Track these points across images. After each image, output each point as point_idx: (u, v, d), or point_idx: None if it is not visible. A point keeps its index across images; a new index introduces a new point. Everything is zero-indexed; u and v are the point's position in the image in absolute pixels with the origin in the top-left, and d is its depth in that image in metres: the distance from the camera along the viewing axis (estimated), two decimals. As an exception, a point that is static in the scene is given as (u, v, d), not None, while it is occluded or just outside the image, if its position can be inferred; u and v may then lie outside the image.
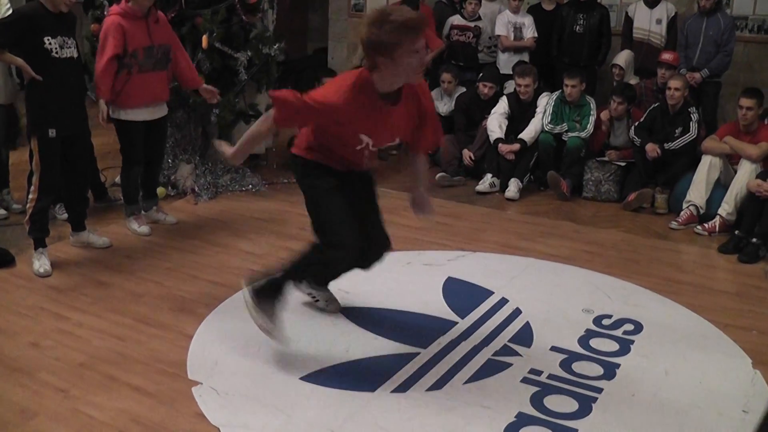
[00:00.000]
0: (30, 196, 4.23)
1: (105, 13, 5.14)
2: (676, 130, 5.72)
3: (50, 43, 4.02)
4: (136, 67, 4.53)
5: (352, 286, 4.05)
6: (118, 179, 5.72)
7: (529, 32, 7.02)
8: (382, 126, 3.08)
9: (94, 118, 5.56)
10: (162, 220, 5.07)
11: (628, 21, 6.91)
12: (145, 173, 4.94)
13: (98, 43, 4.60)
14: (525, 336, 3.58)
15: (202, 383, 3.06)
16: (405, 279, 4.25)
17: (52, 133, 4.11)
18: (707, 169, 5.34)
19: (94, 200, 5.26)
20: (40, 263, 4.17)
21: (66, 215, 4.76)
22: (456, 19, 7.21)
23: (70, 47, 4.13)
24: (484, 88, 6.50)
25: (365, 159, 3.23)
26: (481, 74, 6.73)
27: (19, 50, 4.07)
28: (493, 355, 3.38)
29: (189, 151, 5.83)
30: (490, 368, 3.26)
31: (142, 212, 5.03)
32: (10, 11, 4.92)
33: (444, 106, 6.86)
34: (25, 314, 3.67)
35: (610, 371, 3.27)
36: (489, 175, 6.15)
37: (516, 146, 6.10)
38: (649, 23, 6.76)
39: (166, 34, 4.70)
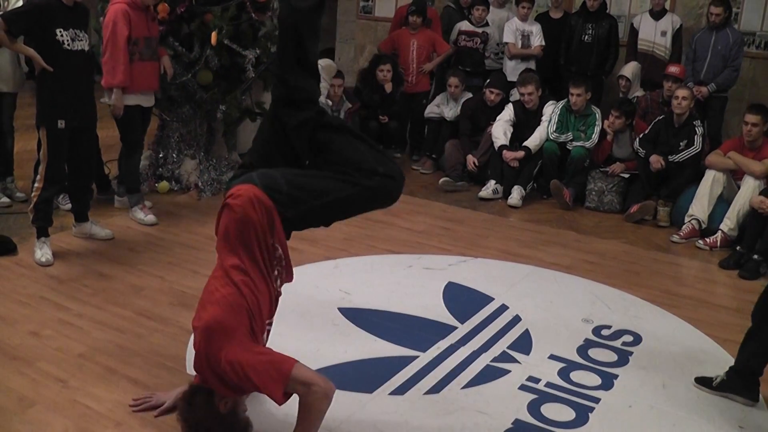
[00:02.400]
0: (35, 185, 4.25)
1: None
2: (681, 143, 5.72)
3: (62, 35, 4.05)
4: (138, 55, 4.71)
5: (353, 288, 4.07)
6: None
7: (537, 40, 7.03)
8: None
9: (98, 111, 5.59)
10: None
11: (634, 32, 6.93)
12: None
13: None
14: (524, 343, 3.58)
15: (200, 378, 3.06)
16: (406, 282, 4.25)
17: (61, 124, 4.13)
18: (710, 183, 5.34)
19: (97, 192, 5.26)
20: (42, 252, 4.18)
21: (69, 206, 4.77)
22: (464, 25, 7.22)
23: (81, 40, 4.17)
24: (491, 95, 6.50)
25: None
26: (488, 80, 6.74)
27: (31, 41, 4.09)
28: (491, 361, 3.39)
29: (193, 146, 5.83)
30: (489, 374, 3.27)
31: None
32: (21, 1, 4.93)
33: (450, 110, 6.86)
34: (26, 303, 3.67)
35: (608, 381, 3.27)
36: (492, 182, 6.16)
37: (520, 153, 6.10)
38: (653, 35, 6.77)
39: (157, 28, 4.94)
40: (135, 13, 4.66)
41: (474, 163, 6.37)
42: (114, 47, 4.60)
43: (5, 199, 5.11)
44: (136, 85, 4.75)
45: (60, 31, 4.05)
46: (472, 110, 6.60)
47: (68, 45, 4.09)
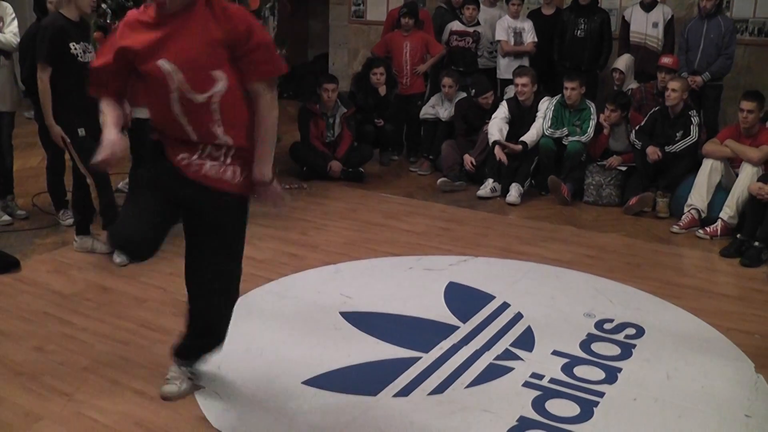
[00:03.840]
0: (93, 195, 4.44)
1: (107, 21, 5.20)
2: (677, 134, 5.72)
3: (75, 49, 4.24)
4: None
5: (354, 291, 4.08)
6: (121, 185, 5.77)
7: (529, 37, 7.04)
8: (175, 46, 2.46)
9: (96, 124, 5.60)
10: None
11: (625, 25, 6.94)
12: None
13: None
14: (526, 340, 3.58)
15: (204, 387, 3.07)
16: (406, 284, 4.26)
17: (81, 132, 4.30)
18: (708, 172, 5.35)
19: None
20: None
21: (70, 221, 4.81)
22: (455, 25, 7.23)
23: (90, 52, 4.35)
24: (483, 101, 6.52)
25: (190, 120, 2.54)
26: (473, 90, 6.66)
27: (52, 59, 4.23)
28: (494, 359, 3.39)
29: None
30: (492, 372, 3.27)
31: None
32: (15, 20, 4.97)
33: (445, 111, 6.87)
34: (29, 319, 3.69)
35: (611, 375, 3.28)
36: (490, 180, 6.16)
37: (518, 147, 6.10)
38: (645, 27, 6.78)
39: None
40: None
41: (471, 162, 6.38)
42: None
43: (6, 217, 5.12)
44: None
45: (73, 45, 4.23)
46: (466, 110, 6.61)
47: (81, 57, 4.27)
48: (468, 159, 6.40)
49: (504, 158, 6.07)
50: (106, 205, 4.43)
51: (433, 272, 4.43)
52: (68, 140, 4.32)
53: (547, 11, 7.27)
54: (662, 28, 6.74)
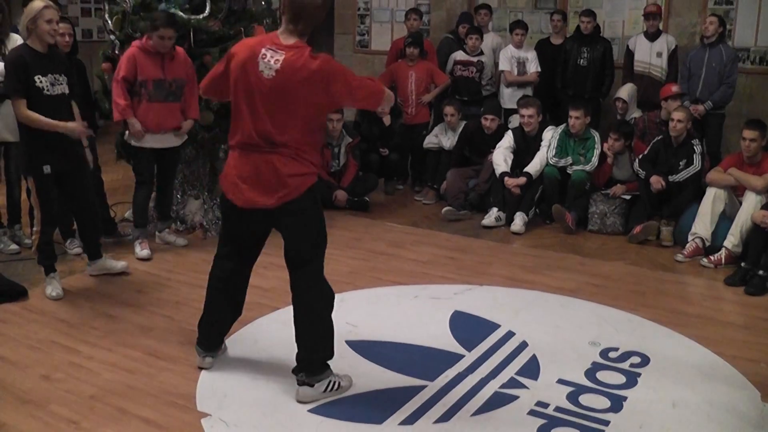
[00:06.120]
0: (34, 229, 4.39)
1: (116, 52, 5.30)
2: (680, 163, 5.75)
3: (41, 82, 4.12)
4: (146, 96, 4.88)
5: (360, 320, 4.09)
6: (127, 214, 5.81)
7: (533, 66, 7.12)
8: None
9: (103, 155, 5.66)
10: (173, 243, 5.35)
11: (629, 54, 7.01)
12: (157, 197, 5.34)
13: (110, 81, 5.11)
14: (532, 369, 3.59)
15: (211, 415, 3.09)
16: (412, 312, 4.27)
17: (46, 169, 4.20)
18: (712, 201, 5.36)
19: (103, 236, 5.30)
20: (52, 287, 4.32)
21: (78, 250, 4.85)
22: (459, 55, 7.31)
23: (61, 84, 4.24)
24: (486, 121, 6.56)
25: None
26: (482, 108, 6.78)
27: (21, 91, 4.18)
28: (500, 387, 3.39)
29: (197, 186, 5.89)
30: (497, 401, 3.28)
31: (156, 233, 5.39)
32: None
33: (448, 140, 6.92)
34: (36, 347, 3.71)
35: (617, 404, 3.28)
36: (495, 209, 6.19)
37: (522, 180, 6.14)
38: (649, 56, 6.85)
39: (182, 70, 5.02)
40: (145, 56, 4.85)
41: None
42: (113, 84, 4.88)
43: (14, 246, 5.17)
44: (146, 125, 4.92)
45: (38, 78, 4.11)
46: (472, 133, 6.66)
47: (48, 90, 4.15)
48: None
49: (517, 190, 6.09)
50: (44, 242, 4.34)
51: (439, 301, 4.45)
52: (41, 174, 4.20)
53: (556, 41, 7.35)
54: (666, 58, 6.81)
